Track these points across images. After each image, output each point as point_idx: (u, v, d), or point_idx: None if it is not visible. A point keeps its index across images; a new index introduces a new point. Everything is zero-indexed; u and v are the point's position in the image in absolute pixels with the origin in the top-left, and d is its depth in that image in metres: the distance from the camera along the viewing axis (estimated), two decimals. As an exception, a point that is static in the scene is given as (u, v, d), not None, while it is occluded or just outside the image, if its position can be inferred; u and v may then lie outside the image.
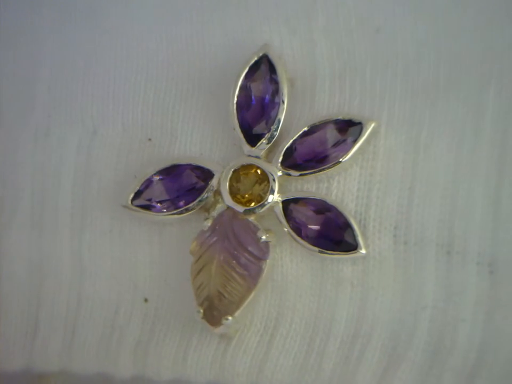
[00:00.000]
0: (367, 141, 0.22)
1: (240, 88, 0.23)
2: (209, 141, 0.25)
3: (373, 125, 0.22)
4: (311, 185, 0.23)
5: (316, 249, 0.22)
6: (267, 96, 0.23)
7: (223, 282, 0.23)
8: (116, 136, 0.25)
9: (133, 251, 0.25)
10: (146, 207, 0.24)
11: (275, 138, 0.23)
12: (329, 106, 0.23)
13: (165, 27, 0.25)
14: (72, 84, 0.26)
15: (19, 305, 0.26)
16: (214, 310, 0.23)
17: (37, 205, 0.26)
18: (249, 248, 0.23)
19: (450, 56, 0.22)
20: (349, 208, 0.23)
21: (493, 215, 0.21)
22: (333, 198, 0.23)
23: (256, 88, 0.23)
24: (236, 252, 0.23)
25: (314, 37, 0.24)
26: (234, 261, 0.23)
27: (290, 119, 0.23)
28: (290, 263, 0.23)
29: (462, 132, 0.22)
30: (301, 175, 0.23)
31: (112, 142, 0.25)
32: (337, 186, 0.23)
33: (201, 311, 0.23)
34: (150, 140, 0.25)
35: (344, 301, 0.23)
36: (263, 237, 0.23)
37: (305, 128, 0.23)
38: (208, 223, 0.23)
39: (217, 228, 0.23)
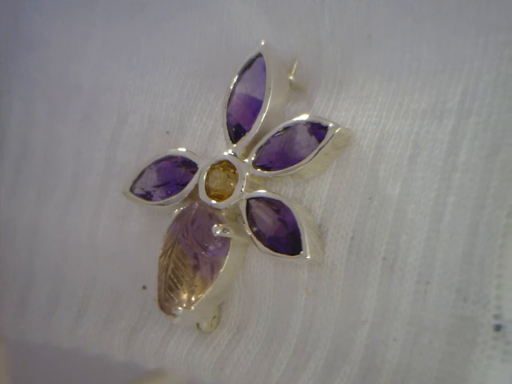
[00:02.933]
0: (335, 146, 0.22)
1: (234, 85, 0.24)
2: (215, 137, 0.25)
3: (337, 130, 0.21)
4: (288, 188, 0.23)
5: (265, 249, 0.22)
6: (253, 95, 0.23)
7: (176, 273, 0.23)
8: (142, 127, 0.27)
9: (136, 238, 0.26)
10: (142, 196, 0.25)
11: (253, 137, 0.23)
12: (324, 110, 0.23)
13: (198, 25, 0.26)
14: (115, 74, 0.28)
15: (45, 281, 0.28)
16: (167, 299, 0.23)
17: (72, 186, 0.28)
18: (205, 243, 0.23)
19: None
20: (316, 213, 0.22)
21: (436, 234, 0.20)
22: (304, 202, 0.23)
23: (244, 86, 0.24)
24: (191, 245, 0.23)
25: (322, 41, 0.24)
26: (188, 254, 0.23)
27: (284, 120, 0.23)
28: (257, 263, 0.23)
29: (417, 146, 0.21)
30: (269, 174, 0.23)
31: (138, 133, 0.27)
32: (310, 190, 0.23)
33: (157, 298, 0.23)
34: (167, 132, 0.26)
35: (299, 307, 0.23)
36: (217, 232, 0.22)
37: (279, 128, 0.22)
38: (178, 211, 0.24)
39: (183, 218, 0.24)
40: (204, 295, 0.23)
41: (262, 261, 0.23)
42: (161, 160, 0.25)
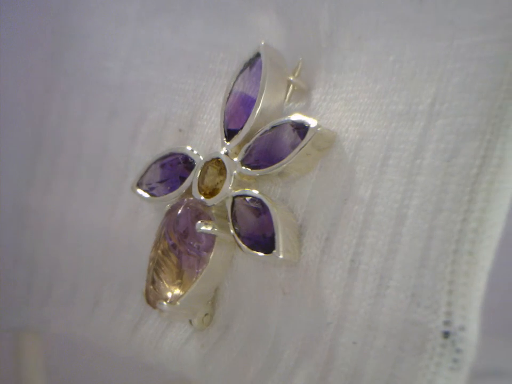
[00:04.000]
0: (316, 147, 0.22)
1: (233, 84, 0.24)
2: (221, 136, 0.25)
3: (317, 130, 0.21)
4: (277, 188, 0.23)
5: (244, 246, 0.22)
6: (248, 94, 0.23)
7: (160, 267, 0.23)
8: (159, 125, 0.27)
9: (145, 233, 0.27)
10: (147, 191, 0.25)
11: (244, 135, 0.23)
12: (318, 111, 0.23)
13: (220, 24, 0.27)
14: (141, 72, 0.28)
15: (66, 273, 0.29)
16: (151, 292, 0.24)
17: (95, 181, 0.29)
18: (189, 239, 0.23)
19: None
20: (298, 213, 0.22)
21: (399, 237, 0.20)
22: (288, 202, 0.23)
23: (242, 85, 0.24)
24: (176, 240, 0.23)
25: (322, 42, 0.24)
26: (172, 249, 0.23)
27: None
28: (243, 261, 0.23)
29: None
30: (255, 173, 0.22)
31: (155, 130, 0.27)
32: (295, 191, 0.23)
33: (144, 291, 0.24)
34: (180, 130, 0.27)
35: (276, 307, 0.23)
36: (201, 228, 0.22)
37: (267, 127, 0.22)
38: (169, 206, 0.24)
39: (172, 213, 0.24)
40: (189, 291, 0.23)
41: (247, 259, 0.23)
42: (164, 157, 0.25)
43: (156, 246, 0.24)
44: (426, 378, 0.18)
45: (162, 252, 0.24)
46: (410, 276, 0.19)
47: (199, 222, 0.23)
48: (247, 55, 0.24)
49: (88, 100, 0.30)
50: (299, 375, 0.21)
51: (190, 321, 0.24)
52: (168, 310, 0.23)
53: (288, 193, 0.23)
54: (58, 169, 0.30)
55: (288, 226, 0.22)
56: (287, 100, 0.24)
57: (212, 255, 0.23)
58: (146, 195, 0.25)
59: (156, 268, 0.24)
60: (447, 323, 0.18)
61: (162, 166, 0.25)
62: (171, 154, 0.25)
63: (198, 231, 0.23)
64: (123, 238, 0.27)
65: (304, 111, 0.23)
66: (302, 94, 0.24)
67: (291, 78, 0.24)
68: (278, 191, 0.23)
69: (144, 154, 0.27)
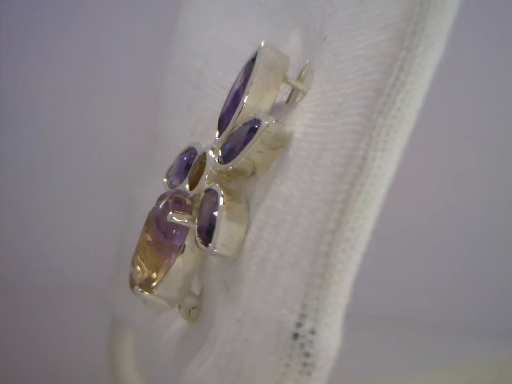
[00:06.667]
0: (267, 145, 0.22)
1: (233, 83, 0.24)
2: None
3: (266, 128, 0.21)
4: (250, 185, 0.23)
5: (197, 238, 0.22)
6: (238, 91, 0.24)
7: (139, 254, 0.24)
8: (205, 121, 0.28)
9: None
10: (168, 183, 0.26)
11: (228, 131, 0.23)
12: (296, 112, 0.23)
13: (250, 26, 0.28)
14: (214, 71, 0.29)
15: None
16: (131, 278, 0.24)
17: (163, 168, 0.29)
18: (163, 228, 0.24)
19: None
20: (251, 212, 0.22)
21: (288, 235, 0.20)
22: (249, 199, 0.23)
23: (237, 82, 0.24)
24: (154, 229, 0.24)
25: (317, 44, 0.23)
26: (149, 237, 0.24)
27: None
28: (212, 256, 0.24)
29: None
30: (223, 167, 0.23)
31: (208, 127, 0.28)
32: (253, 189, 0.23)
33: (129, 276, 0.24)
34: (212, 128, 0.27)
35: (219, 304, 0.23)
36: (173, 218, 0.23)
37: (240, 124, 0.23)
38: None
39: (158, 201, 0.24)
40: (162, 281, 0.23)
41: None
42: (185, 151, 0.26)
43: (141, 233, 0.25)
44: (275, 380, 0.18)
45: (143, 239, 0.24)
46: (289, 275, 0.19)
47: (171, 212, 0.23)
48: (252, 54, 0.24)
49: (179, 94, 0.31)
50: (220, 376, 0.21)
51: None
52: (145, 298, 0.23)
53: (252, 191, 0.23)
54: (153, 165, 0.32)
55: (236, 222, 0.22)
56: (288, 101, 0.24)
57: (183, 246, 0.23)
58: (166, 186, 0.26)
59: (135, 254, 0.24)
60: (298, 325, 0.18)
61: (181, 159, 0.26)
62: (189, 149, 0.26)
63: (169, 220, 0.23)
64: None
65: (285, 112, 0.23)
66: (302, 96, 0.24)
67: (289, 80, 0.23)
68: (249, 188, 0.23)
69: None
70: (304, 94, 0.23)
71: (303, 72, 0.24)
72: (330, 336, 0.18)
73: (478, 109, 0.53)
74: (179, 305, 0.25)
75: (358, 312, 0.51)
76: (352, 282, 0.18)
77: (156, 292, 0.23)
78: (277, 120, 0.22)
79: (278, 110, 0.24)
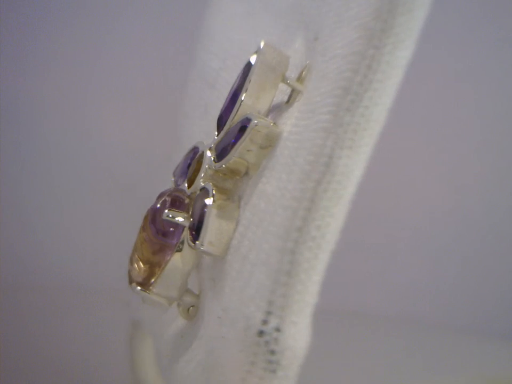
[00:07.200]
0: (257, 144, 0.22)
1: (234, 83, 0.24)
2: None
3: (254, 126, 0.21)
4: (244, 184, 0.23)
5: (188, 236, 0.22)
6: (237, 91, 0.24)
7: (136, 250, 0.24)
8: (211, 123, 0.28)
9: None
10: (174, 181, 0.26)
11: (225, 130, 0.23)
12: (292, 111, 0.23)
13: (264, 28, 0.28)
14: (230, 72, 0.29)
15: None
16: (129, 273, 0.24)
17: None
18: (158, 226, 0.24)
19: None
20: (241, 210, 0.22)
21: (264, 234, 0.20)
22: (240, 198, 0.23)
23: (237, 82, 0.24)
24: (150, 226, 0.24)
25: (313, 46, 0.23)
26: (146, 233, 0.24)
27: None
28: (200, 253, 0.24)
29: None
30: (217, 166, 0.23)
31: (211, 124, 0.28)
32: (245, 188, 0.23)
33: (128, 271, 0.24)
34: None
35: (210, 300, 0.23)
36: (168, 216, 0.23)
37: (235, 123, 0.23)
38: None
39: (157, 199, 0.24)
40: (158, 278, 0.23)
41: None
42: (190, 151, 0.26)
43: (139, 231, 0.25)
44: (240, 376, 0.18)
45: (141, 237, 0.24)
46: (261, 272, 0.19)
47: (166, 210, 0.23)
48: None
49: (193, 96, 0.31)
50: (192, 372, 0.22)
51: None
52: (139, 294, 0.23)
53: (244, 190, 0.23)
54: (173, 163, 0.31)
55: (226, 220, 0.22)
56: (288, 101, 0.23)
57: (180, 243, 0.23)
58: (173, 185, 0.26)
59: (133, 251, 0.24)
60: (264, 322, 0.18)
61: (185, 158, 0.26)
62: (194, 148, 0.26)
63: (164, 218, 0.23)
64: None
65: (283, 111, 0.23)
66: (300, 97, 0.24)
67: (288, 80, 0.23)
68: (242, 187, 0.23)
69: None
70: (303, 94, 0.23)
71: (304, 73, 0.24)
72: (296, 334, 0.18)
73: (478, 109, 0.53)
74: (178, 304, 0.25)
75: (358, 312, 0.51)
76: (320, 281, 0.18)
77: (153, 290, 0.23)
78: (267, 119, 0.22)
79: (277, 110, 0.24)
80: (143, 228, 0.24)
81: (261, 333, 0.18)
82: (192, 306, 0.24)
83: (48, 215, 0.49)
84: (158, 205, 0.24)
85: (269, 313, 0.18)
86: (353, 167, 0.18)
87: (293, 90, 0.23)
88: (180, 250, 0.23)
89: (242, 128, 0.22)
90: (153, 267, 0.23)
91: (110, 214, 0.48)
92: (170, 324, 0.26)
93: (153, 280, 0.23)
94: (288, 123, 0.22)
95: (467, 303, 0.53)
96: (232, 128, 0.23)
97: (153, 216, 0.24)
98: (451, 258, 0.53)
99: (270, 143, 0.22)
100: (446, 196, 0.53)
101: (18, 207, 0.49)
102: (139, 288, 0.23)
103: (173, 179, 0.26)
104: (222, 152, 0.23)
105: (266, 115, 0.23)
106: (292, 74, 0.24)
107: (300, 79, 0.23)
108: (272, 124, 0.22)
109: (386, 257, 0.52)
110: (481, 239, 0.53)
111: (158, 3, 0.48)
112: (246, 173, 0.23)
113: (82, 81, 0.49)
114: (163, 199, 0.24)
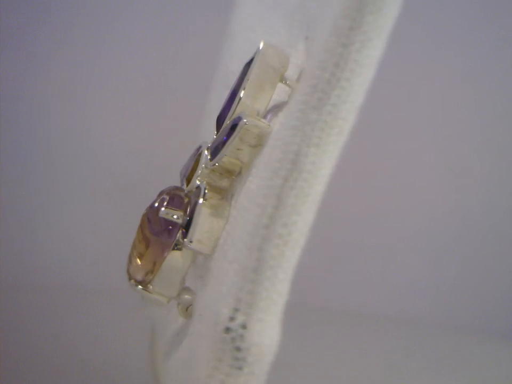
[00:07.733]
0: (246, 142, 0.21)
1: (234, 83, 0.24)
2: None
3: (243, 125, 0.21)
4: (237, 182, 0.23)
5: (181, 234, 0.22)
6: (236, 91, 0.23)
7: (133, 248, 0.24)
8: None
9: None
10: (182, 179, 0.26)
11: (223, 129, 0.23)
12: (285, 111, 0.23)
13: (275, 28, 0.27)
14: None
15: None
16: (128, 271, 0.24)
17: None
18: (154, 223, 0.24)
19: None
20: (232, 210, 0.22)
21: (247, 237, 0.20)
22: (234, 196, 0.23)
23: (236, 82, 0.24)
24: (147, 223, 0.24)
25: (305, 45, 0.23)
26: (144, 231, 0.24)
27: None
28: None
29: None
30: (211, 165, 0.23)
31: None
32: (239, 188, 0.22)
33: (127, 268, 0.24)
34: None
35: (200, 296, 0.23)
36: (165, 214, 0.23)
37: (229, 121, 0.23)
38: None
39: (157, 197, 0.24)
40: (156, 275, 0.23)
41: None
42: (196, 150, 0.26)
43: (137, 228, 0.25)
44: (207, 373, 0.18)
45: (139, 235, 0.24)
46: (233, 269, 0.19)
47: (163, 208, 0.23)
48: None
49: (214, 97, 0.32)
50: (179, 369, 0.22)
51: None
52: (138, 292, 0.23)
53: (236, 188, 0.23)
54: None
55: (218, 219, 0.22)
56: (287, 101, 0.23)
57: (176, 241, 0.23)
58: (181, 183, 0.26)
59: (132, 249, 0.24)
60: (231, 319, 0.18)
61: (192, 155, 0.26)
62: (198, 148, 0.26)
63: (160, 216, 0.23)
64: None
65: (279, 111, 0.23)
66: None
67: (286, 79, 0.23)
68: (236, 186, 0.23)
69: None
70: (290, 87, 0.23)
71: (301, 73, 0.23)
72: (262, 332, 0.18)
73: (478, 109, 0.53)
74: (178, 303, 0.24)
75: (358, 312, 0.51)
76: (289, 279, 0.18)
77: (151, 287, 0.23)
78: (259, 119, 0.22)
79: (277, 110, 0.23)
80: (141, 226, 0.24)
81: (227, 330, 0.18)
82: (191, 305, 0.24)
83: (48, 215, 0.49)
84: (156, 203, 0.24)
85: (236, 310, 0.18)
86: (321, 165, 0.18)
87: (292, 90, 0.23)
88: (176, 248, 0.23)
89: (233, 127, 0.22)
90: (151, 264, 0.23)
91: (110, 214, 0.48)
92: (172, 323, 0.26)
93: (150, 277, 0.23)
94: (278, 122, 0.22)
95: (467, 303, 0.53)
96: (225, 127, 0.23)
97: (151, 214, 0.24)
98: (451, 258, 0.53)
99: (260, 142, 0.22)
100: (446, 196, 0.53)
101: (18, 207, 0.49)
102: (138, 286, 0.23)
103: (180, 177, 0.26)
104: (215, 151, 0.23)
105: (265, 114, 0.23)
106: (294, 74, 0.23)
107: (299, 79, 0.23)
108: (264, 124, 0.22)
109: (386, 257, 0.52)
110: (481, 239, 0.53)
111: (158, 3, 0.48)
112: (240, 172, 0.23)
113: (82, 81, 0.49)
114: (161, 197, 0.24)
